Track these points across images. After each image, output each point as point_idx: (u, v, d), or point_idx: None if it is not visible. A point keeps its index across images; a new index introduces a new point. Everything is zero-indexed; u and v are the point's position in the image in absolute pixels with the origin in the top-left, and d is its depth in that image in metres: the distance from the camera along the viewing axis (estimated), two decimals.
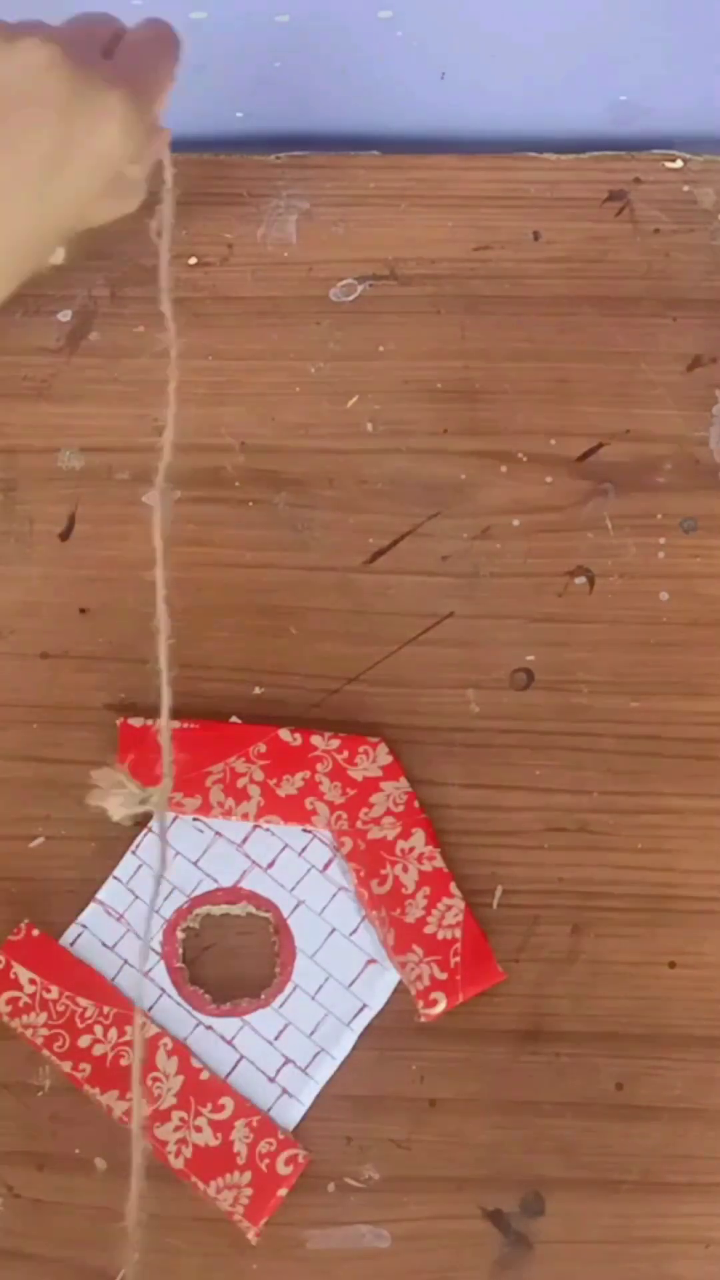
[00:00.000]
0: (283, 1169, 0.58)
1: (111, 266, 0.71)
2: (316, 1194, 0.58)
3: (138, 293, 0.71)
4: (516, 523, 0.67)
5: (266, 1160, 0.58)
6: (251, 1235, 0.57)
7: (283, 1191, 0.57)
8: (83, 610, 0.66)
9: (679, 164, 0.73)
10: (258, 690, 0.64)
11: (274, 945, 0.61)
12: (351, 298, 0.71)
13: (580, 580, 0.66)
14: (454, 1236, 0.58)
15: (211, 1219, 0.58)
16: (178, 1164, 0.58)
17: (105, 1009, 0.60)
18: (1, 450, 0.68)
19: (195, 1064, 0.59)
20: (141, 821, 0.62)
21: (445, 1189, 0.58)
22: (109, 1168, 0.59)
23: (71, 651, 0.65)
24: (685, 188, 0.72)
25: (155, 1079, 0.59)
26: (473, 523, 0.67)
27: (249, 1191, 0.57)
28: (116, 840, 0.62)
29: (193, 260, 0.71)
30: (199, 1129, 0.58)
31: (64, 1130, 0.60)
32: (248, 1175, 0.58)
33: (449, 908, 0.60)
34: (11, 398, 0.69)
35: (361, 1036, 0.60)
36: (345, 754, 0.62)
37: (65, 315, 0.71)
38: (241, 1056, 0.60)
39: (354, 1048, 0.60)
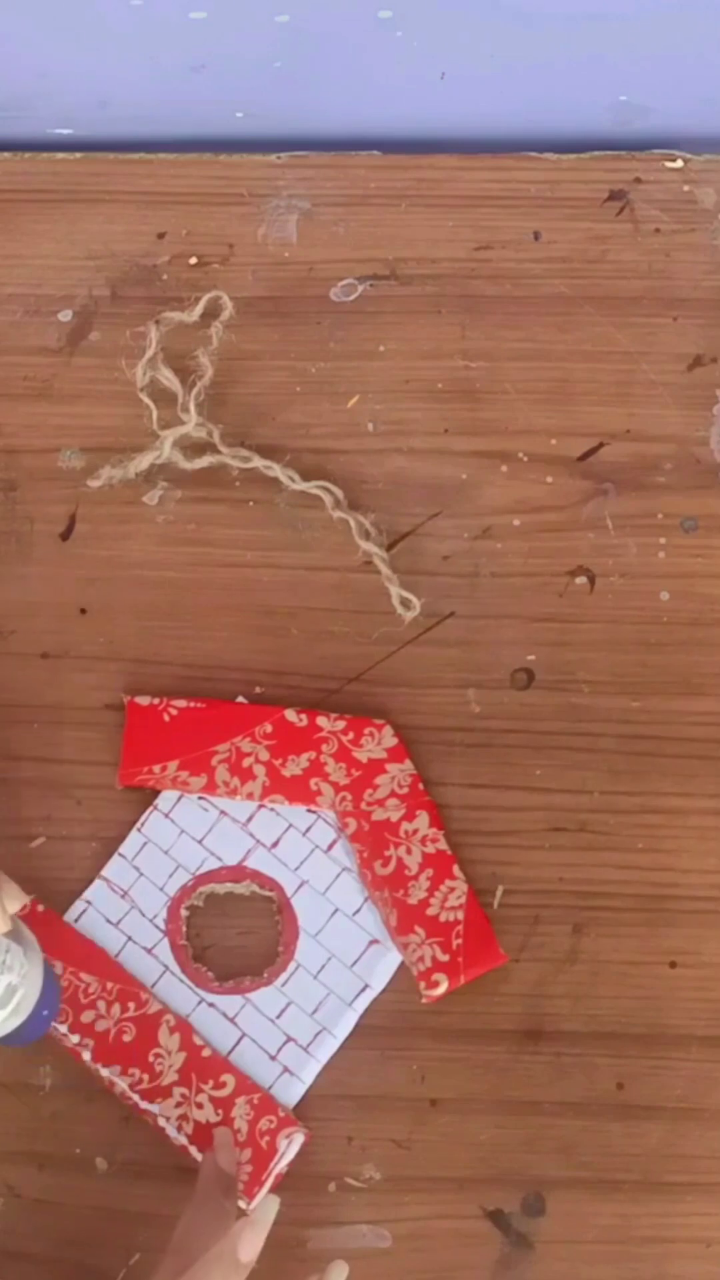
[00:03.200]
0: (282, 1146, 0.58)
1: (111, 266, 0.71)
2: (317, 1194, 0.58)
3: (138, 293, 0.71)
4: (517, 523, 0.67)
5: (266, 1138, 0.58)
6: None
7: (282, 1167, 0.57)
8: (83, 610, 0.66)
9: (679, 164, 0.73)
10: (258, 690, 0.64)
11: (277, 924, 0.61)
12: (352, 298, 0.71)
13: (580, 580, 0.66)
14: (454, 1236, 0.58)
15: None
16: (179, 1139, 0.58)
17: (109, 985, 0.60)
18: (2, 450, 0.68)
19: (197, 1041, 0.59)
20: None
21: (446, 1189, 0.58)
22: (109, 1168, 0.59)
23: (71, 651, 0.65)
24: (685, 188, 0.72)
25: (157, 1055, 0.59)
26: (473, 523, 0.67)
27: (248, 1168, 0.57)
28: (116, 840, 0.62)
29: (193, 260, 0.71)
30: (200, 1105, 0.58)
31: (64, 1130, 0.60)
32: (247, 1153, 0.58)
33: (451, 890, 0.60)
34: (11, 398, 0.69)
35: (362, 1036, 0.60)
36: (350, 735, 0.62)
37: (65, 315, 0.71)
38: (243, 1034, 0.60)
39: (355, 1047, 0.60)
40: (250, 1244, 0.52)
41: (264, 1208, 0.52)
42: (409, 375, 0.69)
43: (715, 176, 0.73)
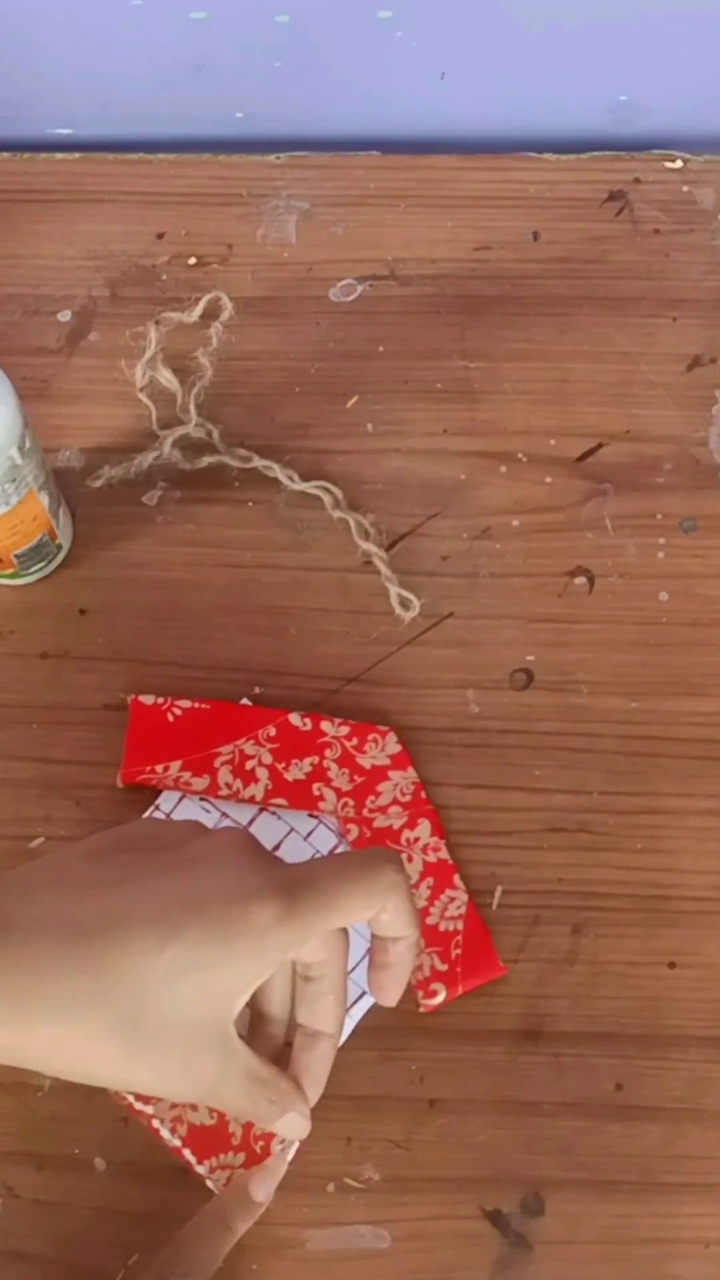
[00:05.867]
0: (278, 1148, 0.57)
1: (111, 267, 0.71)
2: (316, 1194, 0.58)
3: (138, 293, 0.71)
4: (516, 523, 0.67)
5: (261, 1143, 0.58)
6: None
7: (281, 1168, 0.57)
8: (83, 610, 0.66)
9: (679, 164, 0.73)
10: (258, 690, 0.64)
11: None
12: (351, 298, 0.71)
13: (580, 580, 0.66)
14: (454, 1236, 0.58)
15: None
16: (173, 1141, 0.58)
17: None
18: None
19: None
20: None
21: (445, 1189, 0.58)
22: (109, 1168, 0.59)
23: (71, 651, 0.65)
24: (685, 188, 0.73)
25: None
26: (473, 523, 0.67)
27: (242, 1172, 0.57)
28: None
29: (192, 260, 0.71)
30: (195, 1107, 0.58)
31: (64, 1130, 0.60)
32: (241, 1156, 0.57)
33: (452, 899, 0.60)
34: None
35: (361, 1036, 0.60)
36: (354, 741, 0.62)
37: (65, 315, 0.71)
38: None
39: (354, 1047, 0.60)
40: (264, 1184, 0.53)
41: (279, 1156, 0.53)
42: (408, 375, 0.69)
43: (714, 177, 0.73)
